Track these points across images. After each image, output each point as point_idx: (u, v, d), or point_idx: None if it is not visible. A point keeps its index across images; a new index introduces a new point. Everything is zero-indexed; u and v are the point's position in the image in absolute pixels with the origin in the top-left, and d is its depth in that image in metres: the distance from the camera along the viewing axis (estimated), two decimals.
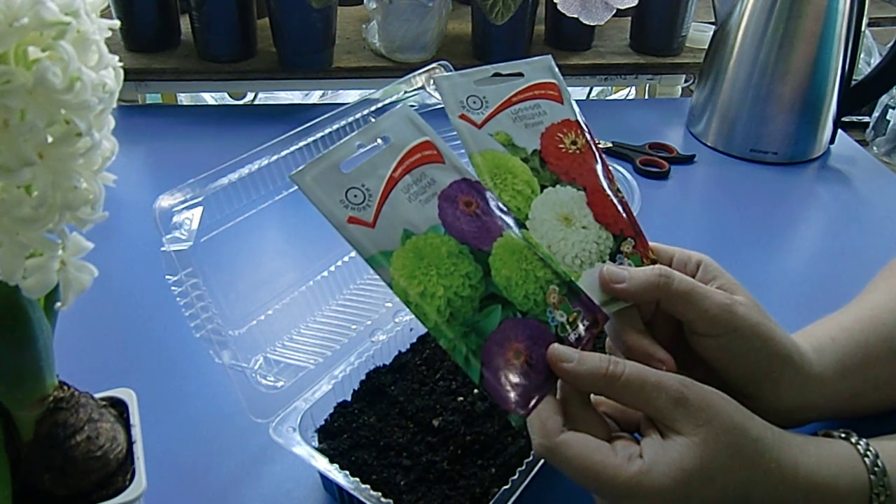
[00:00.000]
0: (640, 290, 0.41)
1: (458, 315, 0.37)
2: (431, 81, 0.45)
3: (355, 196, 0.38)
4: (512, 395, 0.37)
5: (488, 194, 0.41)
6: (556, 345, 0.38)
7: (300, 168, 0.37)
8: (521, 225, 0.42)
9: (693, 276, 0.45)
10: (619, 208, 0.45)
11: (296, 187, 0.37)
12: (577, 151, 0.45)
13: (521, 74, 0.46)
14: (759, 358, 0.42)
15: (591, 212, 0.44)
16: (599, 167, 0.46)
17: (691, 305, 0.41)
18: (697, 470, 0.36)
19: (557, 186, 0.44)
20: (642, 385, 0.37)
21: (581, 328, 0.40)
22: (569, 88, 0.47)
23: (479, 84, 0.45)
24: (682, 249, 0.46)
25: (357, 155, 0.39)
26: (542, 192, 0.44)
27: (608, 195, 0.45)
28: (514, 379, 0.37)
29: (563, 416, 0.38)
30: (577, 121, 0.47)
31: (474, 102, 0.44)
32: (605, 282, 0.42)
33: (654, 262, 0.44)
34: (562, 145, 0.45)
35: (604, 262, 0.43)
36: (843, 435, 0.42)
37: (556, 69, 0.48)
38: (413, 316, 0.37)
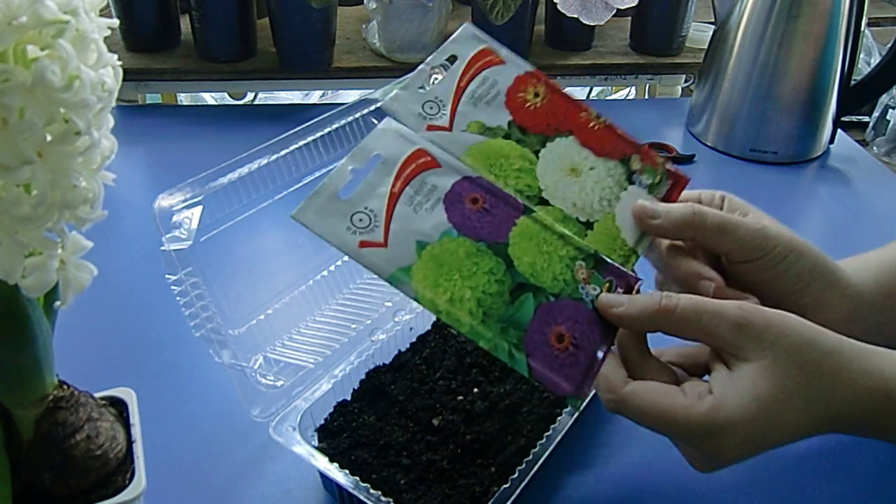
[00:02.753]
0: (674, 227, 0.42)
1: (491, 313, 0.37)
2: (380, 106, 0.44)
3: (361, 220, 0.38)
4: (565, 379, 0.37)
5: (493, 185, 0.41)
6: (604, 294, 0.38)
7: (299, 206, 0.37)
8: (539, 202, 0.42)
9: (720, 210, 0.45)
10: (609, 132, 0.45)
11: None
12: (545, 101, 0.45)
13: (455, 57, 0.46)
14: (797, 272, 0.42)
15: (589, 151, 0.44)
16: (570, 103, 0.46)
17: (726, 237, 0.41)
18: (772, 394, 0.35)
19: (548, 144, 0.44)
20: (700, 314, 0.36)
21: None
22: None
23: (422, 88, 0.44)
24: (704, 190, 0.46)
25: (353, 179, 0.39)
26: (538, 158, 0.43)
27: (592, 126, 0.45)
28: (564, 363, 0.37)
29: (625, 369, 0.37)
30: (528, 71, 0.46)
31: (431, 108, 0.44)
32: (640, 216, 0.42)
33: (662, 163, 0.45)
34: (528, 103, 0.45)
35: (625, 189, 0.43)
36: None
37: (481, 33, 0.47)
38: (448, 324, 0.37)
